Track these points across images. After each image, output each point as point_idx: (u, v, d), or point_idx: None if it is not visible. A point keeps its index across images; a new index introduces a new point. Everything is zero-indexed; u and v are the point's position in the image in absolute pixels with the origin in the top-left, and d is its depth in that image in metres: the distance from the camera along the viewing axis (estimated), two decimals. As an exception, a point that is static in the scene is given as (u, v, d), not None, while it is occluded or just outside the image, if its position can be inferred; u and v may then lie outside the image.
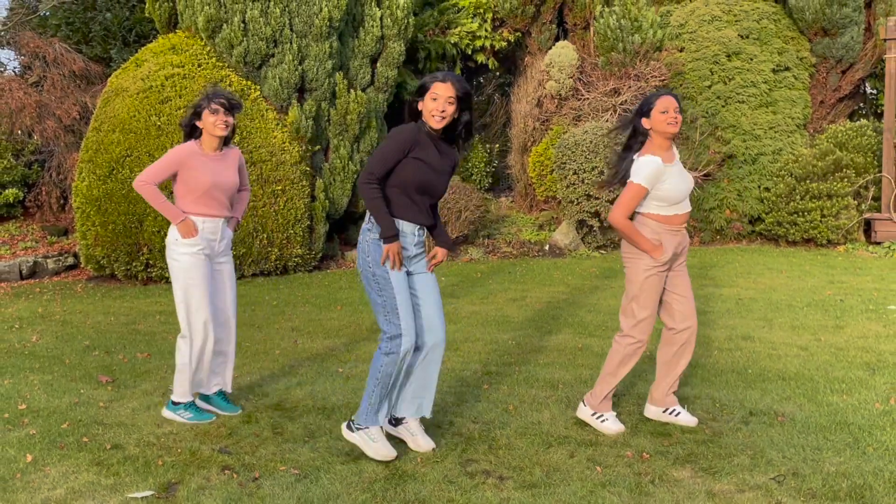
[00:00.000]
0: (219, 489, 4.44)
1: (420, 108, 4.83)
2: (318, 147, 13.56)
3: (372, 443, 4.79)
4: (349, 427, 4.89)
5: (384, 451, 4.78)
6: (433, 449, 4.95)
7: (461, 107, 4.83)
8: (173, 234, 5.63)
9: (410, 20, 14.36)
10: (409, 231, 4.87)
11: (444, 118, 4.76)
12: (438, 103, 4.73)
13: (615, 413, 5.36)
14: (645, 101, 5.17)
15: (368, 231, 4.85)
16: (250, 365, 7.14)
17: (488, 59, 16.88)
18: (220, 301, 5.84)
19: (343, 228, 14.93)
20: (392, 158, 4.76)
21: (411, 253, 4.90)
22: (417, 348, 4.94)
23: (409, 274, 4.95)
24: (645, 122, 5.14)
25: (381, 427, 4.90)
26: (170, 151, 5.67)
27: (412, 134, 4.78)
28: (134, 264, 12.08)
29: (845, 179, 14.17)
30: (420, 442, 4.99)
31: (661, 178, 5.06)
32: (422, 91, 4.82)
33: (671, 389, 5.38)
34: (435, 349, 4.97)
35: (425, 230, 5.00)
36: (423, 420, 5.19)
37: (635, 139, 5.28)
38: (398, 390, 5.02)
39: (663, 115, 5.05)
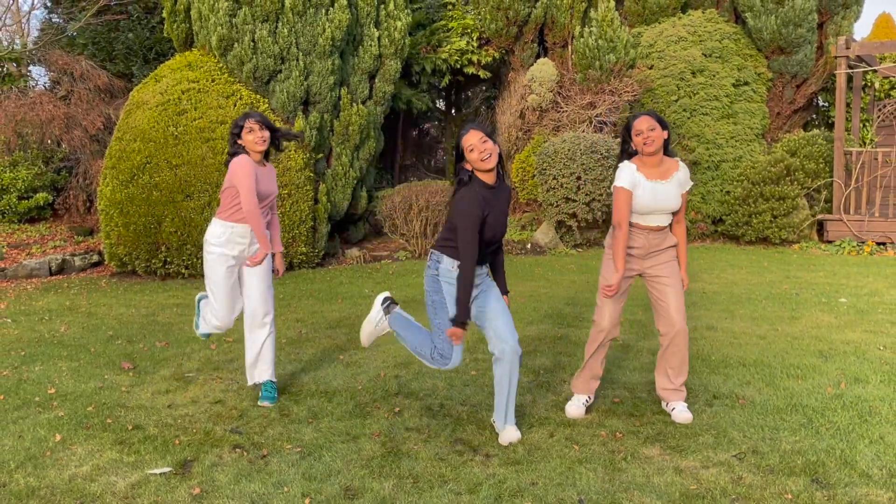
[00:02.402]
0: (230, 466, 4.42)
1: (467, 166, 4.60)
2: (320, 155, 13.56)
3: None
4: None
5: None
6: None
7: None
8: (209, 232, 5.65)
9: (407, 41, 14.36)
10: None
11: (491, 156, 4.53)
12: (476, 151, 4.53)
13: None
14: (627, 125, 5.08)
15: (449, 271, 4.67)
16: (259, 353, 7.13)
17: (478, 71, 16.89)
18: (251, 301, 5.70)
19: (343, 228, 14.92)
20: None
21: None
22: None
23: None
24: (633, 145, 5.07)
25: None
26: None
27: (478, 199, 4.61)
28: (153, 261, 12.06)
29: (794, 182, 14.24)
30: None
31: (636, 184, 5.00)
32: (460, 153, 4.60)
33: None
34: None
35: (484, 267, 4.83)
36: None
37: (626, 153, 5.17)
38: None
39: (638, 138, 4.97)
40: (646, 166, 5.03)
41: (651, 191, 4.99)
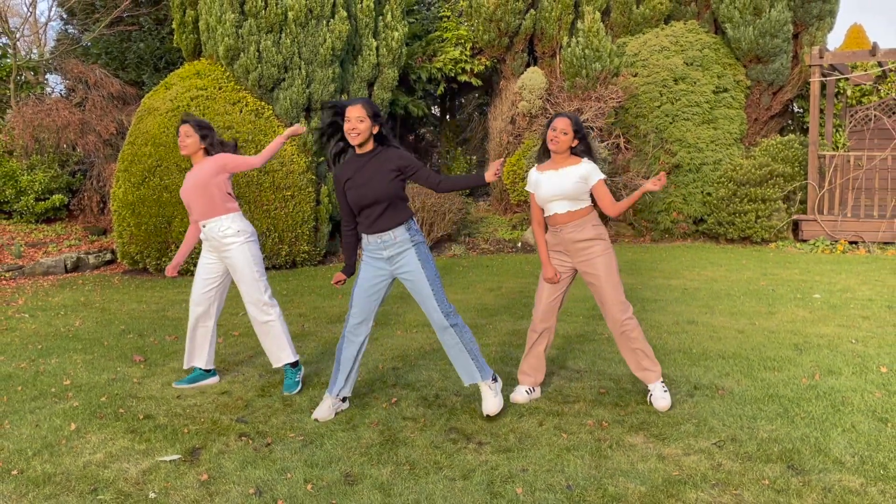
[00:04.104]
0: (236, 453, 4.42)
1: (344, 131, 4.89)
2: (322, 158, 13.54)
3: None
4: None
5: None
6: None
7: (376, 122, 4.85)
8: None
9: (403, 50, 14.36)
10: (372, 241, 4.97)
11: (358, 135, 4.78)
12: (350, 123, 4.77)
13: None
14: (550, 119, 5.19)
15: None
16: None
17: (471, 79, 16.91)
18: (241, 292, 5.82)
19: (344, 228, 14.89)
20: (339, 198, 5.00)
21: (384, 256, 4.95)
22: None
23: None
24: (546, 137, 5.20)
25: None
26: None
27: (337, 172, 4.97)
28: (163, 259, 12.04)
29: (776, 186, 14.27)
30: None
31: (536, 183, 5.25)
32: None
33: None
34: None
35: (392, 233, 4.90)
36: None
37: (541, 150, 5.36)
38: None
39: (550, 133, 5.11)
40: (551, 163, 5.24)
41: (544, 181, 5.18)
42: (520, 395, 5.31)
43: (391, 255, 4.92)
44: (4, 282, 11.97)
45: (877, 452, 4.22)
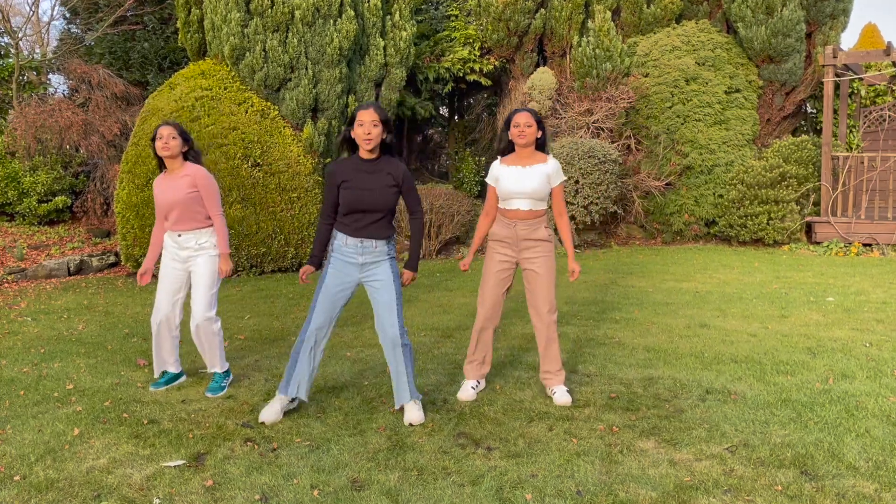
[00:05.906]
0: (242, 459, 4.42)
1: (352, 135, 4.94)
2: (328, 160, 13.56)
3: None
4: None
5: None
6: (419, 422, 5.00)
7: (386, 129, 4.92)
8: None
9: (412, 50, 14.37)
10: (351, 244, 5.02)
11: (371, 140, 4.84)
12: (364, 128, 4.83)
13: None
14: (507, 117, 5.31)
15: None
16: (269, 350, 7.13)
17: (480, 78, 16.93)
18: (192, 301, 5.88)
19: (351, 231, 14.90)
20: (326, 194, 5.02)
21: (359, 262, 5.03)
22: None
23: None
24: (509, 135, 5.32)
25: None
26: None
27: (333, 168, 5.01)
28: (168, 262, 12.06)
29: (789, 188, 14.25)
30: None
31: (497, 177, 5.36)
32: (351, 120, 4.92)
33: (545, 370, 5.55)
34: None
35: (374, 242, 4.99)
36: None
37: (501, 147, 5.48)
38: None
39: (514, 129, 5.25)
40: (516, 157, 5.35)
41: (509, 175, 5.30)
42: (465, 392, 5.48)
43: (365, 262, 5.02)
44: (7, 285, 12.01)
45: (891, 458, 4.21)
